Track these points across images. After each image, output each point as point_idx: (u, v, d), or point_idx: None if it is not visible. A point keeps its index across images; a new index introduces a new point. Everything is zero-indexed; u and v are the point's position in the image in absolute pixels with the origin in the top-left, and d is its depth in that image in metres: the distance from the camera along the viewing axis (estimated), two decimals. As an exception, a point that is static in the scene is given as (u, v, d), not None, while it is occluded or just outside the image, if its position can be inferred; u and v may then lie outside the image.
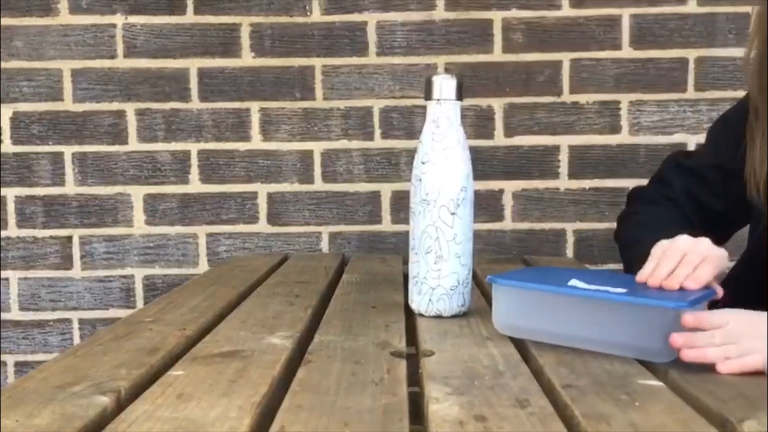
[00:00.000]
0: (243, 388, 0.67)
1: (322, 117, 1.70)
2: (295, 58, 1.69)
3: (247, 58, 1.69)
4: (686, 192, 1.10)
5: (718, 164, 1.07)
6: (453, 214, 0.94)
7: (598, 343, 0.78)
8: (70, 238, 1.71)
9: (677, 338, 0.72)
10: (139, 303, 1.72)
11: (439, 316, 0.96)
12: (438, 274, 0.95)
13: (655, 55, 1.67)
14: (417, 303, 0.98)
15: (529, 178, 1.70)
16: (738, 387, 0.67)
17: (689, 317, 0.74)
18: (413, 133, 1.69)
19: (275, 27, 1.69)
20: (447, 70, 0.91)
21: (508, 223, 1.70)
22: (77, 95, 1.69)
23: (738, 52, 1.65)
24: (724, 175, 1.05)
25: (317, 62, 1.69)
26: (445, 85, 0.96)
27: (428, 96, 0.97)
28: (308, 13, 1.69)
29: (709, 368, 0.73)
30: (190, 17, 1.69)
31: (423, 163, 0.96)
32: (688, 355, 0.72)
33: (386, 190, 1.71)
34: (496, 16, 1.67)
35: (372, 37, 1.69)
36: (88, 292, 1.72)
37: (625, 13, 1.67)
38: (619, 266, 1.69)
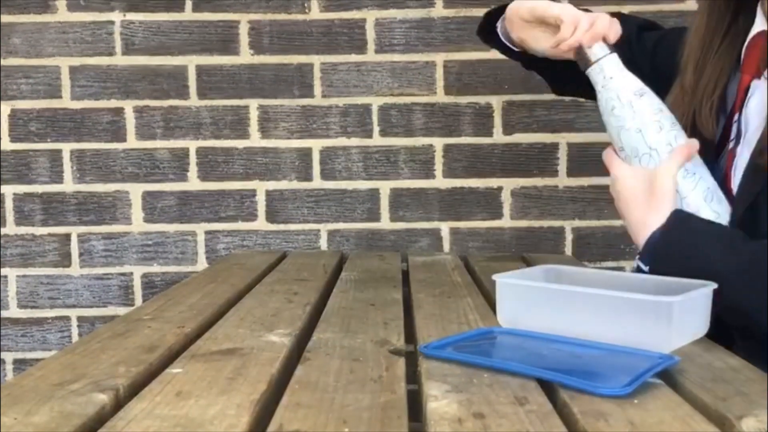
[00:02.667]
0: (242, 385, 0.67)
1: (321, 114, 1.70)
2: (293, 55, 1.69)
3: (246, 56, 1.69)
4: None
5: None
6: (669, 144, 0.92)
7: (597, 336, 0.78)
8: (68, 236, 1.71)
9: None
10: (138, 301, 1.72)
11: None
12: None
13: (654, 53, 1.67)
14: None
15: (528, 175, 1.69)
16: (737, 384, 0.67)
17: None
18: (412, 130, 1.69)
19: (274, 24, 1.69)
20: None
21: (506, 221, 1.70)
22: (75, 92, 1.69)
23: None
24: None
25: (316, 59, 1.69)
26: (597, 48, 0.95)
27: (585, 65, 0.96)
28: (307, 11, 1.69)
29: (709, 366, 0.73)
30: (188, 14, 1.68)
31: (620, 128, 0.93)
32: None
33: (385, 187, 1.71)
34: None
35: (371, 34, 1.69)
36: (87, 289, 1.72)
37: (624, 10, 1.66)
38: (618, 265, 1.70)
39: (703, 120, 0.95)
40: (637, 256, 0.92)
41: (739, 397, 0.64)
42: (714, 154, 0.95)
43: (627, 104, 0.92)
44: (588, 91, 0.98)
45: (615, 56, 0.95)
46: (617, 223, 1.69)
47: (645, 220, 0.90)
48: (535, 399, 0.63)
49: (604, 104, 0.95)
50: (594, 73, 0.96)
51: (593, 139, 1.68)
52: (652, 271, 0.90)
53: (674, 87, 0.99)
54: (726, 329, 0.86)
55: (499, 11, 1.13)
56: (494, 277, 0.89)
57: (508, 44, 1.13)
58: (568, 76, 1.06)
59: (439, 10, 1.68)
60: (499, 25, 1.14)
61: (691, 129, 0.95)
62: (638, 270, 0.92)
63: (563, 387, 0.65)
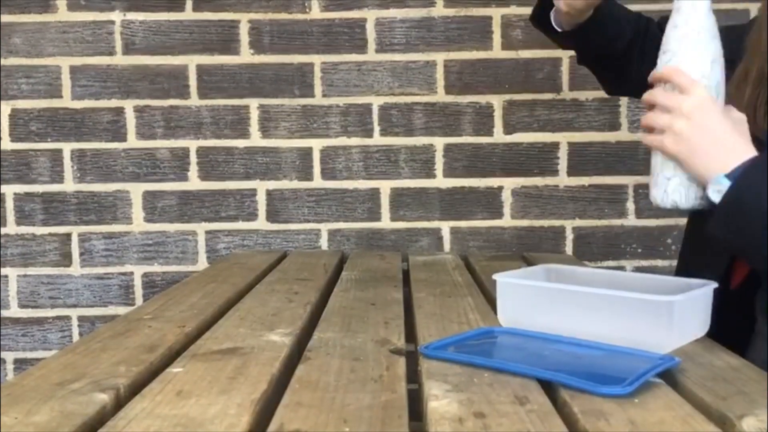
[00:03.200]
0: (242, 385, 0.67)
1: (322, 114, 1.70)
2: (294, 54, 1.69)
3: (246, 55, 1.69)
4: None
5: None
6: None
7: (598, 335, 0.78)
8: (69, 236, 1.71)
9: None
10: (138, 300, 1.72)
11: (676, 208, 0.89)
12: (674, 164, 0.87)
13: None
14: (653, 196, 0.90)
15: (528, 175, 1.69)
16: (737, 384, 0.67)
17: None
18: (413, 130, 1.69)
19: (274, 24, 1.69)
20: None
21: (507, 220, 1.70)
22: (76, 92, 1.69)
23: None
24: None
25: (316, 59, 1.69)
26: None
27: None
28: (307, 10, 1.69)
29: (709, 365, 0.73)
30: (188, 14, 1.68)
31: (663, 52, 0.87)
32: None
33: (385, 187, 1.71)
34: (496, 13, 1.67)
35: (371, 33, 1.69)
36: (88, 289, 1.72)
37: (625, 10, 1.66)
38: (619, 264, 1.70)
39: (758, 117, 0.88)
40: (721, 176, 0.80)
41: (740, 397, 0.64)
42: None
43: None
44: (641, 90, 0.94)
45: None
46: (617, 222, 1.69)
47: (735, 140, 0.81)
48: (535, 398, 0.63)
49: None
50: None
51: (593, 138, 1.68)
52: (734, 190, 0.79)
53: (738, 72, 0.92)
54: (728, 329, 0.86)
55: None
56: (495, 276, 0.89)
57: (558, 29, 1.11)
58: (621, 69, 1.04)
59: (439, 10, 1.68)
60: (552, 15, 1.11)
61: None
62: (710, 196, 0.82)
63: (564, 387, 0.65)
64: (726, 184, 0.80)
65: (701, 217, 0.89)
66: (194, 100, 1.69)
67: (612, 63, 1.14)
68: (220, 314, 0.98)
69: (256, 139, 1.70)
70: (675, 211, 0.90)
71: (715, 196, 0.80)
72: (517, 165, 1.69)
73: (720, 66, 0.86)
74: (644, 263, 1.70)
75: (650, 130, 0.87)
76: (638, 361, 0.71)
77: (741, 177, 0.79)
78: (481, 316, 0.95)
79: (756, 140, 0.84)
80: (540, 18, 1.14)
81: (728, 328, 0.86)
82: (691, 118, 0.82)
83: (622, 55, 1.12)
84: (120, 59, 1.69)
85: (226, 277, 1.29)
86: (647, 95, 0.87)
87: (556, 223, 1.70)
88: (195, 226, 1.71)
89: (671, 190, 0.87)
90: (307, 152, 1.71)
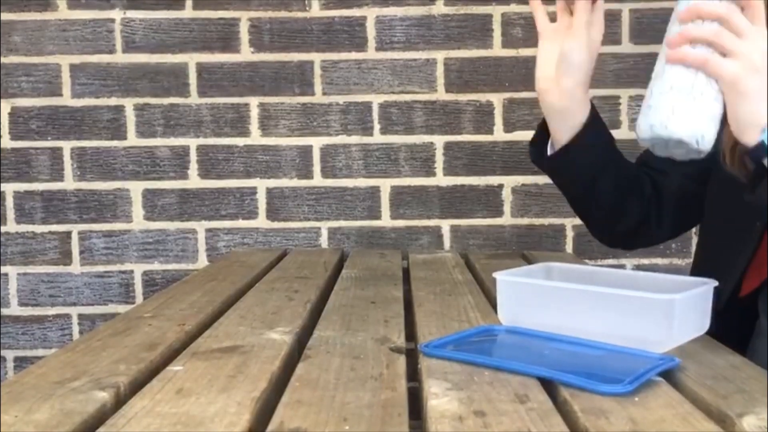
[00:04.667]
0: (242, 383, 0.67)
1: (321, 112, 1.70)
2: (294, 53, 1.69)
3: (246, 53, 1.69)
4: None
5: None
6: None
7: (598, 333, 0.78)
8: (69, 234, 1.71)
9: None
10: (139, 298, 1.72)
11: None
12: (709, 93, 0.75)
13: (655, 51, 1.66)
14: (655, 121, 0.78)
15: (528, 173, 1.69)
16: (737, 382, 0.67)
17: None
18: (412, 128, 1.69)
19: (274, 22, 1.68)
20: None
21: (507, 219, 1.70)
22: (76, 90, 1.69)
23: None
24: None
25: (316, 57, 1.69)
26: None
27: None
28: (307, 8, 1.69)
29: (709, 364, 0.73)
30: (188, 12, 1.68)
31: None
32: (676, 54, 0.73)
33: (385, 185, 1.71)
34: (496, 11, 1.67)
35: (371, 32, 1.68)
36: (88, 287, 1.72)
37: (625, 8, 1.66)
38: (619, 262, 1.69)
39: None
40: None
41: (740, 395, 0.64)
42: None
43: None
44: (642, 233, 0.94)
45: None
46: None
47: None
48: (535, 397, 0.63)
49: None
50: None
51: (594, 136, 1.68)
52: None
53: None
54: (729, 328, 0.86)
55: (541, 133, 1.04)
56: (495, 274, 0.89)
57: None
58: (619, 211, 1.00)
59: (439, 8, 1.68)
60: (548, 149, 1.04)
61: None
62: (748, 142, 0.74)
63: (564, 385, 0.65)
64: None
65: (720, 217, 0.88)
66: (194, 98, 1.69)
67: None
68: (220, 312, 0.98)
69: (256, 137, 1.70)
70: (673, 146, 0.77)
71: (757, 150, 0.74)
72: (517, 163, 1.69)
73: None
74: (644, 261, 1.70)
75: (676, 45, 0.76)
76: (638, 360, 0.71)
77: None
78: (481, 314, 0.95)
79: None
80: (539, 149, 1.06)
81: (729, 327, 0.86)
82: (765, 53, 0.73)
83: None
84: (120, 57, 1.69)
85: (226, 275, 1.29)
86: (707, 6, 0.74)
87: (556, 221, 1.70)
88: (195, 224, 1.71)
89: (691, 115, 0.74)
90: (307, 150, 1.70)
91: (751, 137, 0.74)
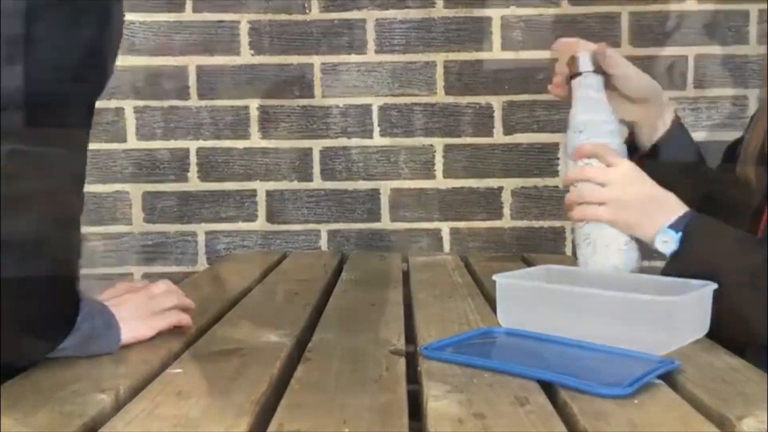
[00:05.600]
0: (242, 386, 0.67)
1: (321, 115, 1.70)
2: (294, 55, 1.69)
3: (246, 56, 1.69)
4: None
5: None
6: None
7: (598, 336, 0.78)
8: (68, 236, 1.70)
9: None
10: (138, 301, 1.71)
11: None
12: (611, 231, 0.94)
13: (654, 53, 1.67)
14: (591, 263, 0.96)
15: (528, 175, 1.69)
16: (737, 385, 0.67)
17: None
18: (412, 130, 1.69)
19: (274, 24, 1.69)
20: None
21: (507, 221, 1.70)
22: (76, 93, 1.69)
23: (737, 50, 1.65)
24: None
25: (316, 60, 1.69)
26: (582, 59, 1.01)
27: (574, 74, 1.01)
28: (307, 11, 1.69)
29: (709, 366, 0.73)
30: (188, 14, 1.68)
31: (580, 132, 0.96)
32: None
33: (385, 187, 1.71)
34: (495, 14, 1.67)
35: (371, 34, 1.69)
36: (87, 290, 1.71)
37: (624, 11, 1.67)
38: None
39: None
40: (664, 227, 0.90)
41: (740, 398, 0.64)
42: None
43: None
44: None
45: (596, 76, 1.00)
46: (617, 223, 1.69)
47: (665, 195, 0.91)
48: (535, 399, 0.63)
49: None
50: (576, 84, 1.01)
51: (593, 139, 1.68)
52: (685, 240, 0.88)
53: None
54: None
55: None
56: (494, 277, 0.89)
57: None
58: None
59: (439, 10, 1.68)
60: None
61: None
62: (658, 247, 0.91)
63: (563, 387, 0.65)
64: (672, 233, 0.88)
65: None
66: (194, 101, 1.69)
67: None
68: (220, 315, 0.98)
69: (255, 139, 1.70)
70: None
71: (663, 246, 0.89)
72: (516, 166, 1.69)
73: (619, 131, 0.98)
74: (644, 264, 1.70)
75: (570, 207, 0.95)
76: (638, 363, 0.71)
77: (690, 223, 0.88)
78: (481, 316, 0.95)
79: None
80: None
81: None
82: (625, 186, 0.92)
83: None
84: (120, 60, 1.67)
85: (226, 277, 1.29)
86: (574, 173, 0.95)
87: (556, 223, 1.70)
88: (195, 226, 1.71)
89: (612, 255, 0.94)
90: (306, 153, 1.71)
91: (657, 244, 0.90)
